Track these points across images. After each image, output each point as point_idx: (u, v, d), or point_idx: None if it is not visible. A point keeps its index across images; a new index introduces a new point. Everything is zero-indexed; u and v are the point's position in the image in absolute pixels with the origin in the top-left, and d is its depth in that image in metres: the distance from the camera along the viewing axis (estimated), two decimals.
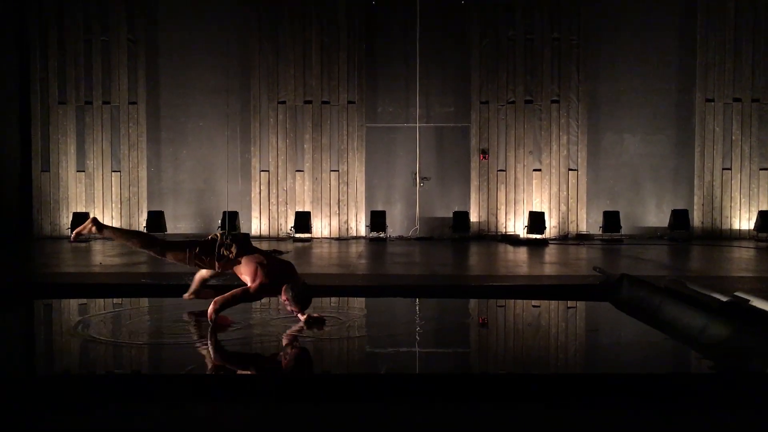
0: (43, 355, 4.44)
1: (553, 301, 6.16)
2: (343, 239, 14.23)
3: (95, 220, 4.89)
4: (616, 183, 14.80)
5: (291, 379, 3.56)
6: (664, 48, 14.71)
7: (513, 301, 6.24)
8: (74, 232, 4.95)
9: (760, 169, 14.60)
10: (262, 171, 14.82)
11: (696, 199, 14.68)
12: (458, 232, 14.33)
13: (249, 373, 3.89)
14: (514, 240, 13.80)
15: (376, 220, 14.33)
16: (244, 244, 4.65)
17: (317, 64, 14.79)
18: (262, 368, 3.99)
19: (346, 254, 11.15)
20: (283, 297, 4.50)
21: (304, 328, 4.64)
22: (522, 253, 11.54)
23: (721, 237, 14.40)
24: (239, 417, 3.01)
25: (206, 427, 2.94)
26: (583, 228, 14.64)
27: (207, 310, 4.49)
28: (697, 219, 14.63)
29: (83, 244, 12.94)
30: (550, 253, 11.52)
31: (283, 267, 4.63)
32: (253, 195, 14.84)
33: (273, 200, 14.82)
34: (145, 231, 4.75)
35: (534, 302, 6.19)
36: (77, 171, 14.88)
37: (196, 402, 3.14)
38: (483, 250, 12.12)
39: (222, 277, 4.98)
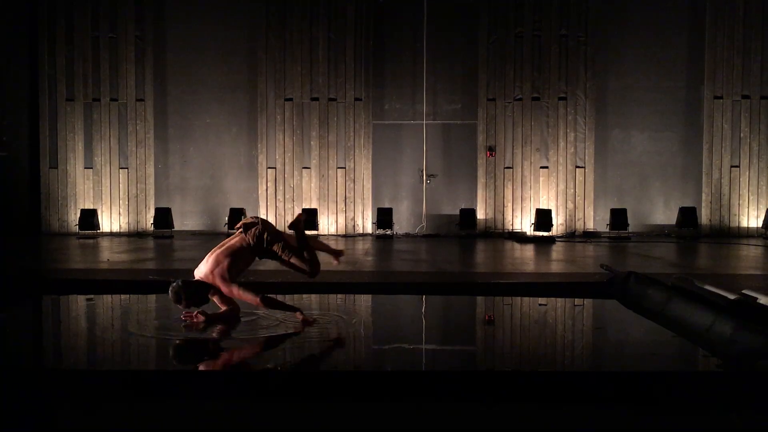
0: (49, 350, 4.46)
1: (559, 299, 6.15)
2: (349, 236, 14.23)
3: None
4: (624, 180, 14.73)
5: (295, 377, 3.56)
6: (672, 45, 14.62)
7: (520, 298, 6.23)
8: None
9: None
10: (269, 168, 14.83)
11: (704, 196, 14.60)
12: (465, 230, 14.30)
13: (252, 370, 3.90)
14: (520, 237, 13.77)
15: (383, 217, 14.32)
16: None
17: (324, 60, 14.78)
18: (266, 365, 4.00)
19: (353, 251, 11.16)
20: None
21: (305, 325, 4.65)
22: (529, 250, 11.52)
23: (729, 235, 14.32)
24: (241, 415, 3.02)
25: (209, 425, 2.94)
26: (591, 225, 14.59)
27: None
28: (705, 217, 14.55)
29: (90, 241, 12.98)
30: (557, 250, 11.50)
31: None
32: (260, 192, 14.86)
33: (280, 197, 14.83)
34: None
35: (541, 300, 6.18)
36: (85, 168, 14.92)
37: (198, 399, 3.15)
38: (490, 247, 12.10)
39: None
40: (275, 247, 4.68)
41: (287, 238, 4.83)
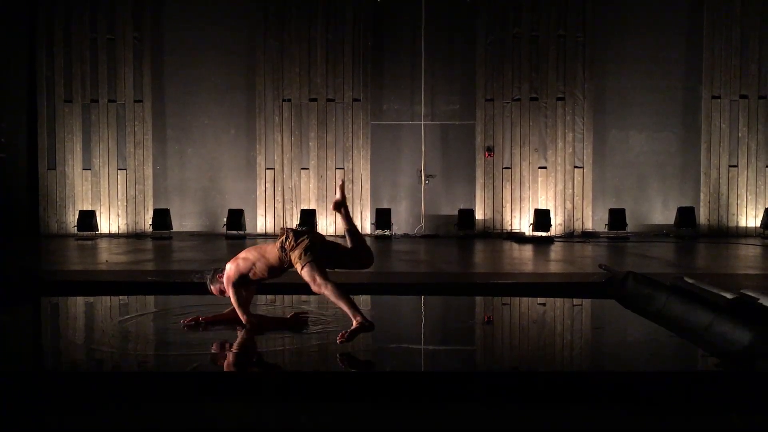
0: (49, 353, 4.45)
1: (558, 299, 6.16)
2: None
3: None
4: (622, 180, 14.75)
5: (294, 377, 3.56)
6: (671, 45, 14.64)
7: (518, 298, 6.23)
8: None
9: (767, 166, 14.53)
10: (268, 169, 14.82)
11: (702, 196, 14.62)
12: (463, 230, 14.30)
13: (252, 371, 3.89)
14: (519, 238, 13.78)
15: (382, 217, 14.32)
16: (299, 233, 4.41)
17: (322, 61, 14.78)
18: (266, 366, 4.00)
19: None
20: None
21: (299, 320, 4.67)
22: (527, 250, 11.52)
23: (728, 234, 14.33)
24: (241, 416, 3.02)
25: (209, 426, 2.94)
26: (589, 225, 14.60)
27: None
28: (703, 216, 14.56)
29: (89, 242, 12.96)
30: (556, 250, 11.50)
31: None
32: (258, 193, 14.85)
33: (278, 198, 14.82)
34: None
35: (539, 300, 6.18)
36: (83, 169, 14.90)
37: (199, 400, 3.15)
38: (488, 247, 12.11)
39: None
40: (293, 256, 4.28)
41: (318, 257, 4.27)
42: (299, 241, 4.28)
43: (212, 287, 4.56)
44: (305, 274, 4.22)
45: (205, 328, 4.55)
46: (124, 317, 5.23)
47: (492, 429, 2.89)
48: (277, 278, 4.55)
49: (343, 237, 4.62)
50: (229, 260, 4.53)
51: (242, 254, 4.49)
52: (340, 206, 4.58)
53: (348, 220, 4.56)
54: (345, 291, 4.20)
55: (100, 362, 3.99)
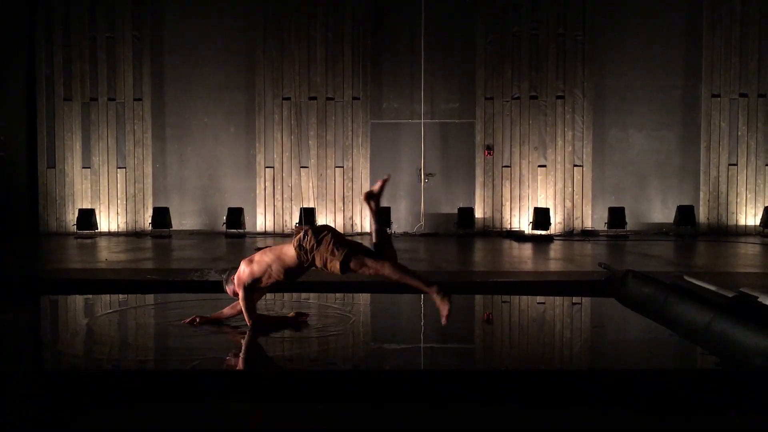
0: (50, 351, 4.45)
1: (558, 297, 6.16)
2: (348, 235, 14.17)
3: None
4: (622, 179, 14.75)
5: (294, 377, 3.56)
6: (670, 43, 14.64)
7: (518, 297, 6.23)
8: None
9: (766, 165, 14.54)
10: (267, 167, 14.82)
11: (702, 195, 14.62)
12: (463, 229, 14.31)
13: (252, 371, 3.90)
14: (519, 236, 13.77)
15: (381, 216, 14.29)
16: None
17: (322, 60, 14.77)
18: (267, 366, 4.00)
19: None
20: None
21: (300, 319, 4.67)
22: (527, 249, 11.52)
23: (727, 233, 14.34)
24: (240, 415, 3.02)
25: (209, 426, 2.95)
26: (588, 224, 14.60)
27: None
28: (702, 215, 14.57)
29: (89, 241, 12.96)
30: (555, 249, 11.50)
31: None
32: (258, 191, 14.84)
33: (278, 196, 14.82)
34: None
35: (539, 298, 6.18)
36: (83, 167, 14.90)
37: (199, 400, 3.15)
38: (488, 246, 12.11)
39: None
40: (320, 255, 4.05)
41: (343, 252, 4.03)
42: (321, 237, 4.04)
43: (227, 288, 4.42)
44: (354, 266, 3.97)
45: (203, 328, 4.54)
46: (118, 313, 5.24)
47: (492, 429, 2.89)
48: (294, 281, 4.38)
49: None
50: (241, 259, 4.41)
51: (257, 256, 4.30)
52: (373, 197, 4.28)
53: (377, 215, 4.30)
54: (403, 265, 3.96)
55: (99, 362, 3.99)
